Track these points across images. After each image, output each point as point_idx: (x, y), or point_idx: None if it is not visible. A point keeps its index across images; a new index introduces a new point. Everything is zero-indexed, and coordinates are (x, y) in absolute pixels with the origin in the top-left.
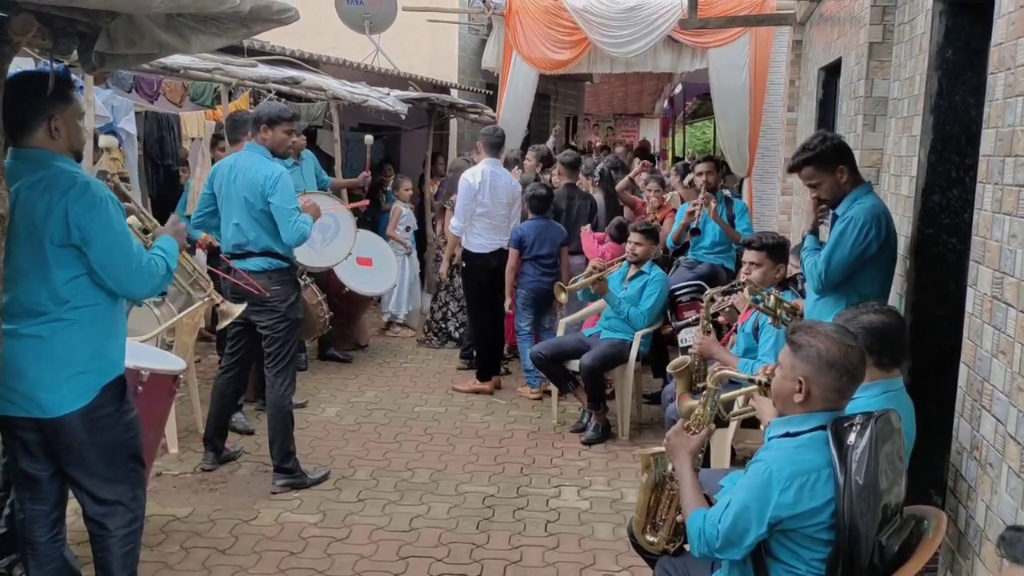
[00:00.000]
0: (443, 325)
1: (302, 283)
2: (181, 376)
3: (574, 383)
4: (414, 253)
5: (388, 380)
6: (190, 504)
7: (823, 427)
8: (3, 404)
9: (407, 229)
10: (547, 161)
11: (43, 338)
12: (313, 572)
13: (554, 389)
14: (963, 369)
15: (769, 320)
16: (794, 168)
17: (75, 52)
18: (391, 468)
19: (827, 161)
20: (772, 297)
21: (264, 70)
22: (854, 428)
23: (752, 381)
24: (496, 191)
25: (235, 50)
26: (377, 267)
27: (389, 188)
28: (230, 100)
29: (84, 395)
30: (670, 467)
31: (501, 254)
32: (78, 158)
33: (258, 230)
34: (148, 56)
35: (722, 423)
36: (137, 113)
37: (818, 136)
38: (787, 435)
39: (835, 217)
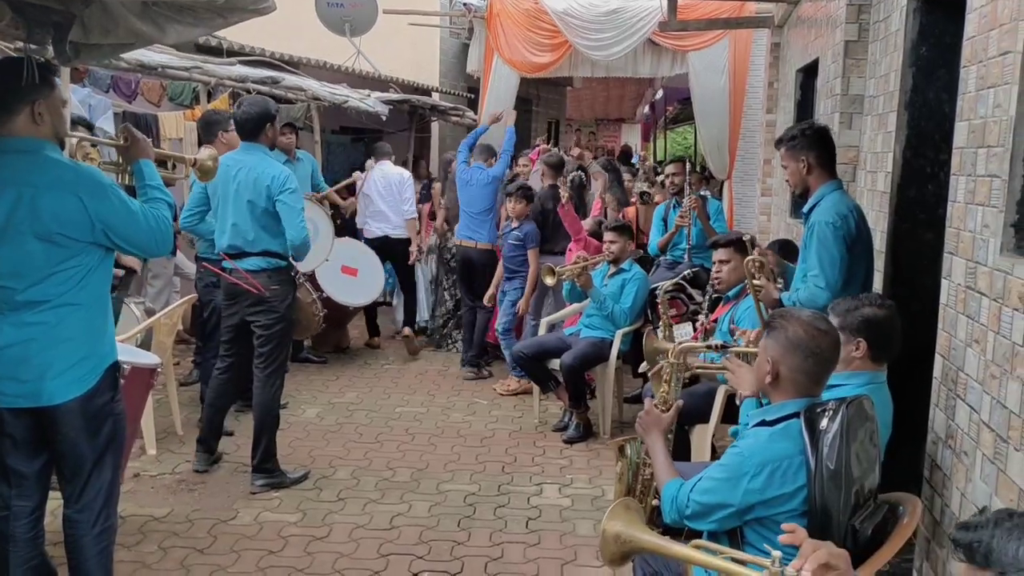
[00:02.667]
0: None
1: (297, 282)
2: (158, 370)
3: (555, 382)
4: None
5: (369, 381)
6: (168, 504)
7: (797, 414)
8: None
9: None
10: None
11: (50, 324)
12: (292, 570)
13: (536, 389)
14: (938, 360)
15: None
16: (776, 145)
17: (49, 43)
18: (372, 468)
19: (796, 148)
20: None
21: (243, 70)
22: (827, 413)
23: (710, 347)
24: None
25: (214, 51)
26: (362, 278)
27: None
28: (209, 100)
29: (86, 380)
30: (642, 452)
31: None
32: (62, 145)
33: (258, 231)
34: (124, 47)
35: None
36: (116, 113)
37: (805, 123)
38: (763, 423)
39: (806, 217)
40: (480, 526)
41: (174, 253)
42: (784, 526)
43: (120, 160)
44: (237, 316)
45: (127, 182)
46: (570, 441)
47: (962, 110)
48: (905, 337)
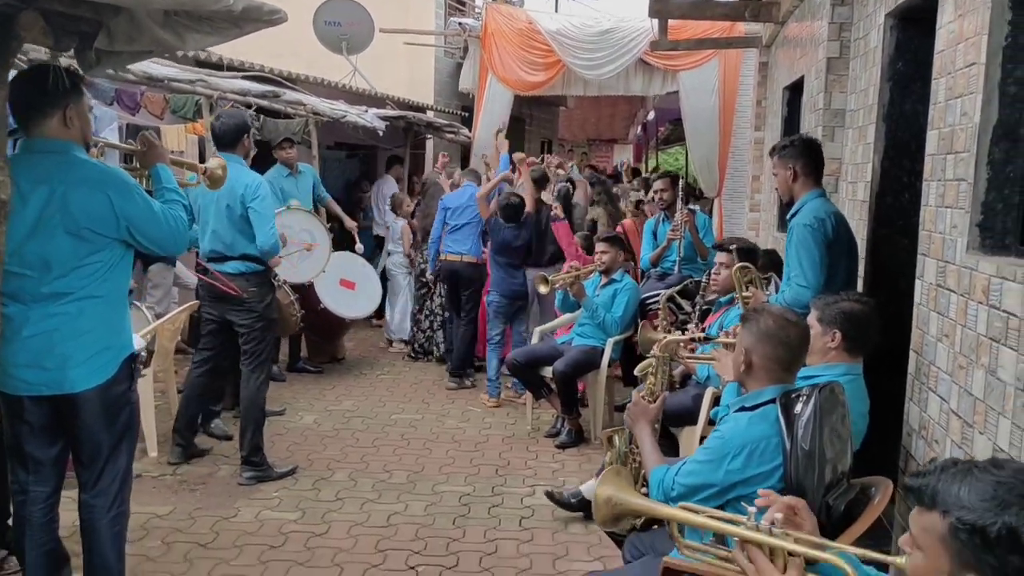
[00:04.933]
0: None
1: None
2: (143, 354)
3: (548, 389)
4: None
5: (365, 390)
6: (170, 503)
7: (774, 400)
8: (18, 385)
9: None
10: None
11: (72, 315)
12: (293, 564)
13: (529, 396)
14: (912, 356)
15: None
16: (770, 154)
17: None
18: (369, 470)
19: (786, 156)
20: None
21: (245, 84)
22: (801, 399)
23: (694, 339)
24: None
25: (214, 66)
26: (360, 291)
27: (367, 207)
28: (211, 113)
29: (106, 369)
30: (630, 443)
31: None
32: (87, 148)
33: (235, 235)
34: (142, 54)
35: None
36: (119, 127)
37: (799, 135)
38: (742, 409)
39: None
40: (475, 524)
41: (174, 263)
42: (760, 491)
43: (138, 164)
44: (217, 315)
45: (146, 186)
46: (562, 446)
47: (933, 119)
48: (883, 338)
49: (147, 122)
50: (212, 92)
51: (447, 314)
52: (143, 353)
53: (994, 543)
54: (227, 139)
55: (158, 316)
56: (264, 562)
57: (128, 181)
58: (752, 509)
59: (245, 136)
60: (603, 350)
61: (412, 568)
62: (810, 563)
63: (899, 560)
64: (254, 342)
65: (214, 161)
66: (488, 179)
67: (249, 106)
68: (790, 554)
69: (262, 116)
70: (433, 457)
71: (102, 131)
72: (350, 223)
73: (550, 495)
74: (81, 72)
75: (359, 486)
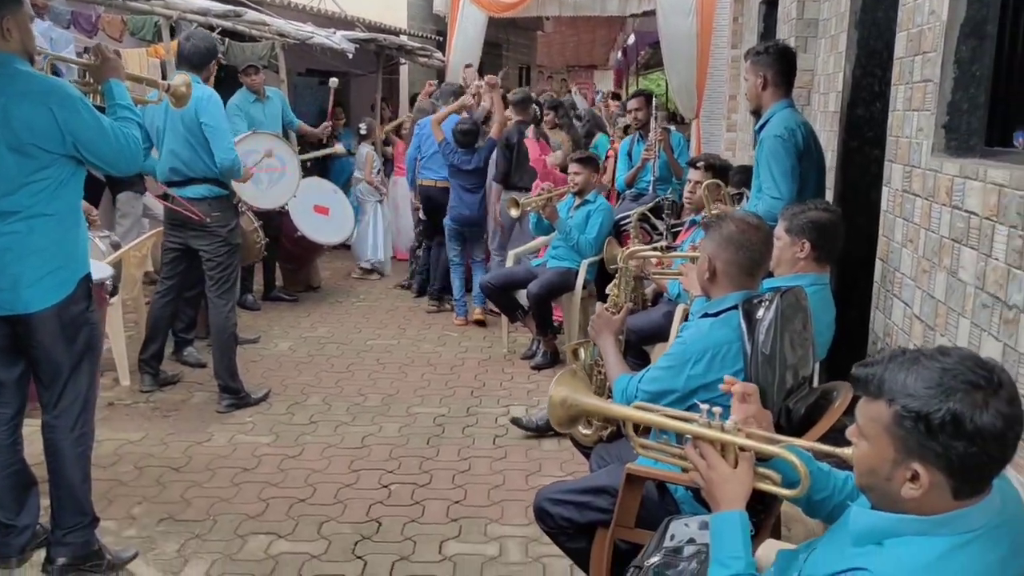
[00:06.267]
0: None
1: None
2: (107, 283)
3: (523, 312)
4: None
5: (341, 317)
6: (143, 429)
7: (736, 306)
8: None
9: (378, 173)
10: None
11: (22, 233)
12: (266, 485)
13: (504, 318)
14: (878, 264)
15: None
16: (744, 57)
17: None
18: (343, 394)
19: (758, 63)
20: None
21: (205, 3)
22: (763, 304)
23: (656, 249)
24: None
25: None
26: (333, 217)
27: (341, 133)
28: (173, 36)
29: (61, 288)
30: (595, 355)
31: None
32: (31, 61)
33: (192, 154)
34: None
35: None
36: (78, 53)
37: (775, 42)
38: (706, 315)
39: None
40: (448, 443)
41: (142, 192)
42: (726, 376)
43: (90, 79)
44: (180, 242)
45: (98, 102)
46: (538, 367)
47: (902, 21)
48: (851, 250)
49: (106, 45)
50: (171, 12)
51: (422, 240)
52: (108, 282)
53: (938, 430)
54: (196, 60)
55: (115, 247)
56: (237, 484)
57: (73, 94)
58: (704, 407)
59: (212, 62)
60: (577, 272)
61: (385, 487)
62: (764, 459)
63: (846, 451)
64: (219, 268)
65: (179, 78)
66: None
67: (211, 28)
68: (742, 449)
69: (227, 40)
70: (408, 380)
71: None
72: (324, 128)
73: (516, 421)
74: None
75: (333, 410)
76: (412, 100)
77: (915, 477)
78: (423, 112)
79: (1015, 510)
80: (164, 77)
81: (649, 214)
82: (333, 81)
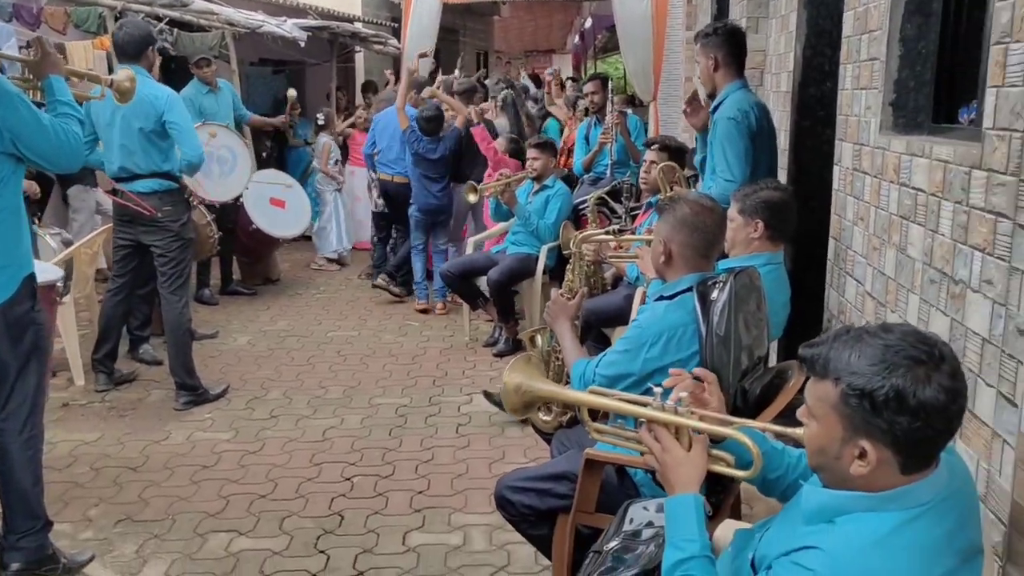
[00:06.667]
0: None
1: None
2: (59, 285)
3: (484, 299)
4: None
5: (300, 310)
6: (99, 430)
7: (691, 288)
8: None
9: (336, 163)
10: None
11: None
12: (226, 482)
13: (465, 306)
14: (831, 243)
15: None
16: (695, 39)
17: None
18: (304, 387)
19: (708, 45)
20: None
21: None
22: (717, 285)
23: (608, 232)
24: None
25: None
26: (289, 209)
27: (296, 124)
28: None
29: (5, 288)
30: (552, 341)
31: None
32: None
33: (147, 152)
34: None
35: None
36: (20, 47)
37: (722, 22)
38: (661, 298)
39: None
40: (411, 434)
41: (93, 184)
42: (671, 370)
43: (30, 75)
44: (130, 238)
45: (38, 99)
46: (500, 355)
47: (849, 0)
48: (806, 230)
49: (49, 38)
50: (115, 3)
51: (382, 233)
52: (59, 283)
53: (882, 406)
54: (131, 49)
55: (67, 244)
56: (196, 482)
57: (9, 89)
58: (658, 389)
59: (150, 48)
60: (537, 257)
61: (348, 479)
62: (718, 441)
63: (797, 432)
64: (172, 264)
65: (122, 72)
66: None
67: (158, 18)
68: (696, 432)
69: (175, 30)
70: (370, 372)
71: (1, 47)
72: (279, 120)
73: (488, 395)
74: None
75: (294, 403)
76: (364, 88)
77: (863, 454)
78: (387, 102)
79: (962, 483)
80: (111, 70)
81: (607, 198)
82: (292, 93)
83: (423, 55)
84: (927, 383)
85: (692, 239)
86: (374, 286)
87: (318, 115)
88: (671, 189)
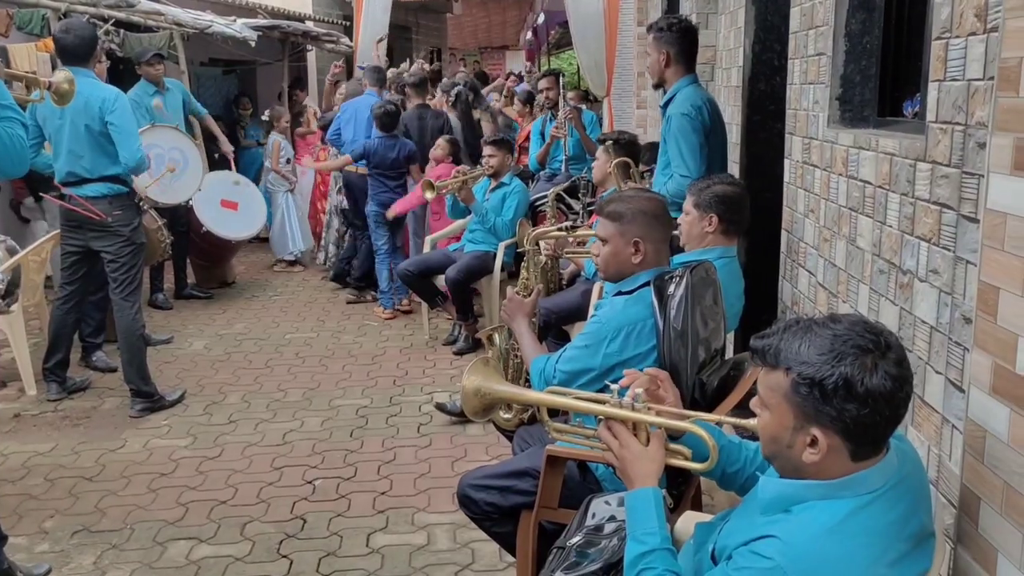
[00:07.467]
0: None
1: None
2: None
3: (443, 297)
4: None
5: (257, 312)
6: (52, 440)
7: (649, 283)
8: None
9: (287, 162)
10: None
11: None
12: (185, 489)
13: (424, 305)
14: (783, 236)
15: None
16: (647, 31)
17: None
18: (263, 391)
19: (660, 40)
20: None
21: None
22: (674, 280)
23: (561, 229)
24: None
25: None
26: (242, 211)
27: (248, 125)
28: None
29: None
30: (510, 340)
31: None
32: None
33: (95, 155)
34: None
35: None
36: None
37: (676, 17)
38: (620, 293)
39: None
40: (372, 435)
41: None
42: (625, 371)
43: None
44: (79, 244)
45: None
46: (460, 353)
47: None
48: (759, 223)
49: None
50: (59, 4)
51: (347, 229)
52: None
53: (831, 394)
54: (82, 52)
55: (11, 251)
56: (154, 490)
57: None
58: (615, 386)
59: (97, 49)
60: (495, 255)
61: (309, 483)
62: (677, 436)
63: (751, 422)
64: (123, 269)
65: (59, 75)
66: None
67: (103, 19)
68: (654, 427)
69: (122, 31)
70: (329, 373)
71: None
72: (227, 147)
73: (441, 407)
74: None
75: (253, 407)
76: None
77: (814, 442)
78: (353, 95)
79: (913, 468)
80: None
81: (564, 194)
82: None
83: (380, 40)
84: (874, 371)
85: (663, 232)
86: (348, 303)
87: (263, 114)
88: (626, 184)
